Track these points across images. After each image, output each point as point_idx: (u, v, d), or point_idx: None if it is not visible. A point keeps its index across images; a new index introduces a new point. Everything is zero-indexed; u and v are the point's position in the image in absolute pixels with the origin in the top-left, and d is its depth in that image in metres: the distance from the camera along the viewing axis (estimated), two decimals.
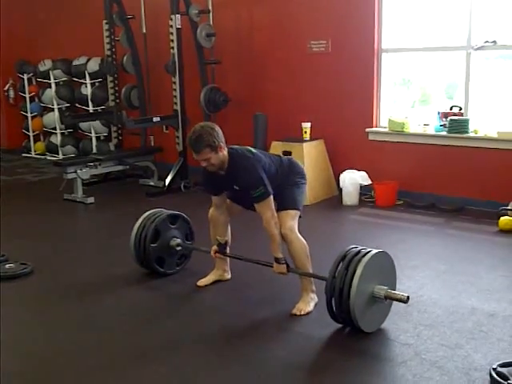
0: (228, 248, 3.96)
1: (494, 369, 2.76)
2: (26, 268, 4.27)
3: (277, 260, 3.54)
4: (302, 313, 3.50)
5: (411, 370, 2.87)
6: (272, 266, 3.59)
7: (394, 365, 2.95)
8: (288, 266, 3.56)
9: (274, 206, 3.50)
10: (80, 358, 3.11)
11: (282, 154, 5.11)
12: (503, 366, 2.79)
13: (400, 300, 3.20)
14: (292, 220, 3.57)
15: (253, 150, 3.63)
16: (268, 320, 3.51)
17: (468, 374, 2.83)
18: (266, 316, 3.55)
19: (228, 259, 4.03)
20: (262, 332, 3.36)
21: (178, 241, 4.11)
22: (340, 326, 3.34)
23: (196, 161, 3.50)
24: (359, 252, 3.20)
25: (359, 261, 3.12)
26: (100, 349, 3.20)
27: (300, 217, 3.66)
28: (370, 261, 3.12)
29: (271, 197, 3.48)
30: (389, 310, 3.38)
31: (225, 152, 3.48)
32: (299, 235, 3.59)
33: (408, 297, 3.19)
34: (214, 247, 3.89)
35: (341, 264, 3.18)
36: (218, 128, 3.48)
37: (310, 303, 3.56)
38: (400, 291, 3.28)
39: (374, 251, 3.20)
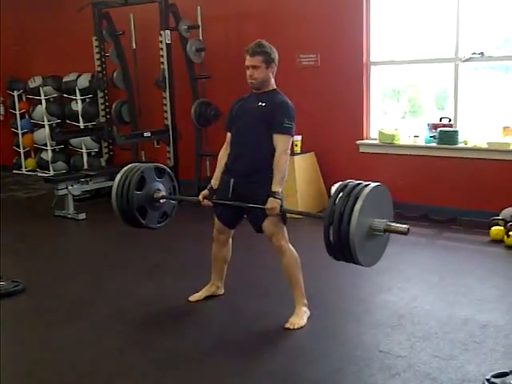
0: (226, 265, 3.94)
1: (488, 379, 2.77)
2: (17, 286, 4.23)
3: (273, 194, 3.38)
4: (296, 327, 3.49)
5: (405, 382, 2.86)
6: (263, 209, 3.40)
7: (387, 377, 2.93)
8: (282, 205, 3.41)
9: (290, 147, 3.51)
10: (73, 375, 3.08)
11: None
12: (496, 376, 2.80)
13: (400, 232, 3.01)
14: (283, 231, 3.55)
15: None
16: (261, 334, 3.49)
17: None
18: (259, 330, 3.54)
19: (224, 275, 3.98)
20: (256, 346, 3.34)
21: (163, 193, 3.92)
22: (332, 338, 3.33)
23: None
24: (359, 184, 3.06)
25: (361, 190, 2.98)
26: (94, 366, 3.17)
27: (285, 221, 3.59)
28: (370, 192, 2.97)
29: (292, 139, 3.54)
30: (385, 247, 3.19)
31: (272, 77, 3.59)
32: (291, 247, 3.59)
33: (408, 228, 3.00)
34: (204, 191, 3.70)
35: (341, 193, 3.03)
36: (277, 58, 3.58)
37: (303, 317, 3.55)
38: (392, 303, 3.27)
39: (373, 184, 3.06)
